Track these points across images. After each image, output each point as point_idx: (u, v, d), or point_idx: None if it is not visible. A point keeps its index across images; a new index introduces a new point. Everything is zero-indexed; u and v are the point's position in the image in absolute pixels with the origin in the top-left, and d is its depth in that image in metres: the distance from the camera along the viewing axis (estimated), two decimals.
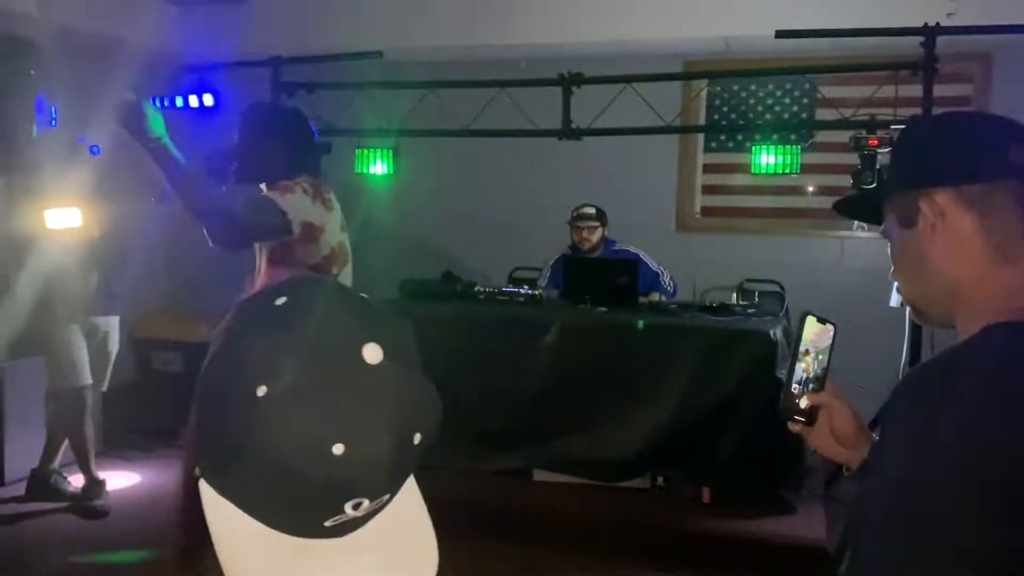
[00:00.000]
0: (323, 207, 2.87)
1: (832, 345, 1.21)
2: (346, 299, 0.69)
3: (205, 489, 0.64)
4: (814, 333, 1.20)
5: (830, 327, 1.22)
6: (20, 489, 4.15)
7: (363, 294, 0.72)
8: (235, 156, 3.01)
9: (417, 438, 0.66)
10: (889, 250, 1.08)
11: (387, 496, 0.66)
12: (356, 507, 0.63)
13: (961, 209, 0.98)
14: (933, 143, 1.05)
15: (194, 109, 5.12)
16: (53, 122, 4.03)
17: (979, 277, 0.98)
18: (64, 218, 3.69)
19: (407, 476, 0.69)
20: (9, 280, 3.73)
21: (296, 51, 5.02)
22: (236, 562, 0.64)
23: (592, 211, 4.95)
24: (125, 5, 5.04)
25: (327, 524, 0.63)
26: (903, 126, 4.18)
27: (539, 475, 4.32)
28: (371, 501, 0.64)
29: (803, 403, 1.19)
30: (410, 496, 0.73)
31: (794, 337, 1.21)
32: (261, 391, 0.61)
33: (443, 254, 5.49)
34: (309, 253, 2.81)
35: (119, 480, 4.44)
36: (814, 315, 1.21)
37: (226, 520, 0.64)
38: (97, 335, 4.08)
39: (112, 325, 4.17)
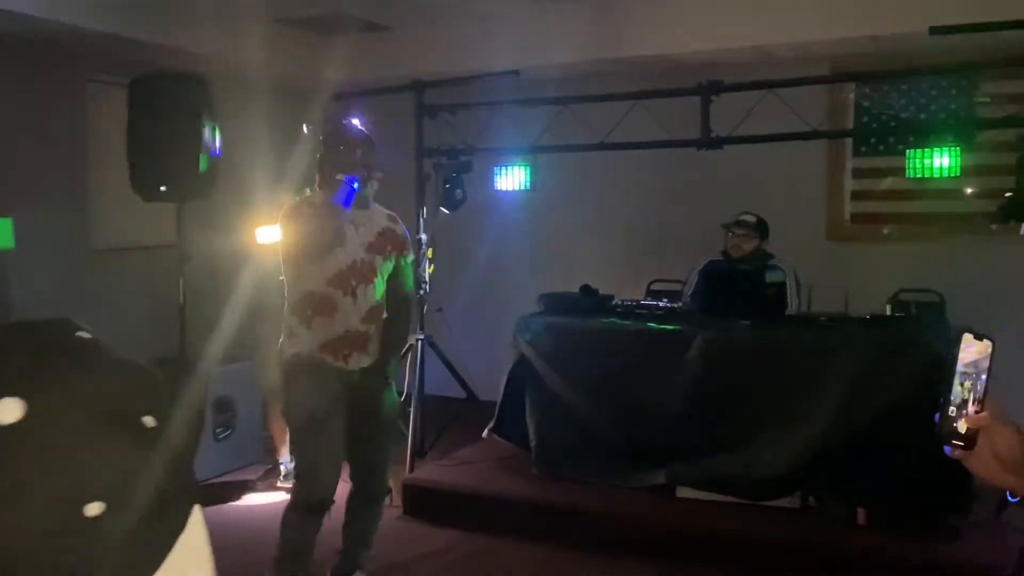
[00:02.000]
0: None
1: (991, 362, 1.13)
2: (12, 343, 0.57)
3: None
4: (972, 351, 1.13)
5: (988, 343, 1.14)
6: None
7: (83, 333, 0.59)
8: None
9: (92, 509, 0.52)
10: None
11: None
12: None
13: None
14: None
15: None
16: (217, 151, 4.38)
17: None
18: (272, 234, 4.10)
19: (104, 554, 0.53)
20: (226, 291, 4.27)
21: (436, 75, 5.20)
22: None
23: (752, 219, 4.72)
24: (272, 37, 5.37)
25: None
26: None
27: (683, 492, 4.24)
28: None
29: (961, 426, 1.12)
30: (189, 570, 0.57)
31: (950, 356, 1.14)
32: None
33: (581, 267, 5.50)
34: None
35: None
36: (971, 332, 1.14)
37: None
38: None
39: None
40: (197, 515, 0.57)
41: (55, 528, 0.52)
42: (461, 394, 5.31)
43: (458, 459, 4.82)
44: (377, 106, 5.32)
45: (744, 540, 3.83)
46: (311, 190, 3.34)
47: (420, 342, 5.06)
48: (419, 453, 4.88)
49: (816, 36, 4.88)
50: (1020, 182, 4.11)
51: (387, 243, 3.30)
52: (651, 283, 5.50)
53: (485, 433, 4.73)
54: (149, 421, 0.56)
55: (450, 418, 5.12)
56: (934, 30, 4.04)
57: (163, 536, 0.55)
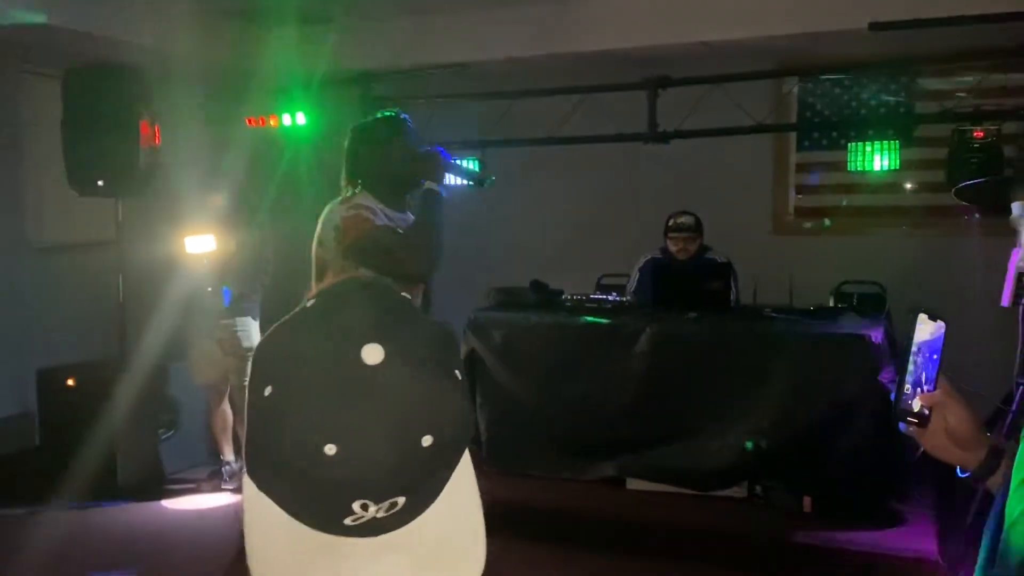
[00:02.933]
0: None
1: (944, 343, 1.17)
2: (368, 300, 0.67)
3: (247, 485, 0.66)
4: (926, 331, 1.17)
5: (941, 324, 1.17)
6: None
7: (404, 294, 0.70)
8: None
9: (426, 440, 0.62)
10: (1020, 239, 1.06)
11: (403, 498, 0.64)
12: (364, 507, 0.63)
13: None
14: None
15: (287, 128, 5.32)
16: (155, 143, 4.27)
17: None
18: (200, 243, 4.27)
19: (426, 478, 0.66)
20: (157, 296, 4.28)
21: (383, 67, 5.14)
22: (264, 554, 0.65)
23: (690, 221, 4.71)
24: (210, 29, 5.23)
25: (347, 523, 0.63)
26: (1011, 116, 3.97)
27: (633, 484, 4.27)
28: (376, 502, 0.63)
29: (916, 404, 1.15)
30: (462, 498, 0.71)
31: (905, 336, 1.17)
32: (267, 391, 0.63)
33: (532, 262, 5.49)
34: None
35: None
36: (926, 312, 1.17)
37: (259, 515, 0.65)
38: (231, 337, 4.46)
39: (246, 326, 4.50)
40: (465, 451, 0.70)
41: (397, 456, 0.62)
42: None
43: None
44: (322, 99, 5.24)
45: (693, 530, 3.87)
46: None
47: None
48: None
49: (761, 32, 4.93)
50: (951, 175, 4.20)
51: None
52: (601, 277, 5.52)
53: None
54: (458, 374, 0.67)
55: None
56: (873, 26, 4.11)
57: (454, 465, 0.69)
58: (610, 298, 4.75)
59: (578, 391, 4.33)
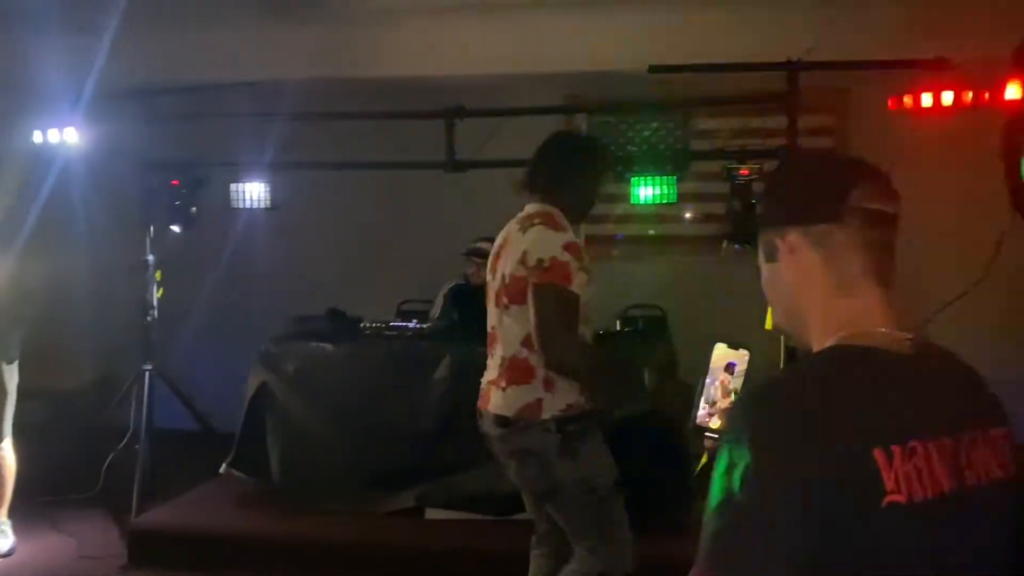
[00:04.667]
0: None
1: (747, 368, 1.33)
2: None
3: None
4: (723, 358, 1.33)
5: (744, 352, 1.33)
6: None
7: None
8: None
9: None
10: (761, 279, 1.21)
11: None
12: None
13: (808, 247, 1.12)
14: (788, 187, 1.21)
15: (54, 146, 4.85)
16: None
17: (823, 307, 1.12)
18: None
19: None
20: None
21: (164, 83, 4.83)
22: None
23: (488, 247, 4.83)
24: None
25: None
26: (770, 156, 4.39)
27: (432, 513, 4.22)
28: None
29: (714, 422, 1.30)
30: None
31: (706, 362, 1.35)
32: None
33: (329, 289, 5.34)
34: None
35: None
36: (724, 344, 1.35)
37: None
38: None
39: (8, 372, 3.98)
40: None
41: None
42: (195, 427, 4.93)
43: (191, 499, 4.45)
44: (99, 114, 4.83)
45: (491, 555, 3.87)
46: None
47: (147, 373, 4.64)
48: (146, 495, 4.43)
49: (551, 68, 5.14)
50: (732, 209, 4.56)
51: None
52: (402, 303, 5.47)
53: (223, 468, 4.42)
54: None
55: (183, 454, 4.71)
56: (652, 69, 4.40)
57: None
58: (411, 325, 4.71)
59: (377, 421, 4.24)
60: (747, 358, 1.33)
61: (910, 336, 1.08)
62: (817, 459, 0.94)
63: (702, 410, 1.31)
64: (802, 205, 1.14)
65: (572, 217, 2.78)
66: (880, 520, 0.94)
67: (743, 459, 0.96)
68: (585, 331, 2.67)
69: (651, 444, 3.95)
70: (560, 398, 2.58)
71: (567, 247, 2.59)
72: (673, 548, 3.81)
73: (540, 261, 2.57)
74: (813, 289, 1.12)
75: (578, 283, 2.57)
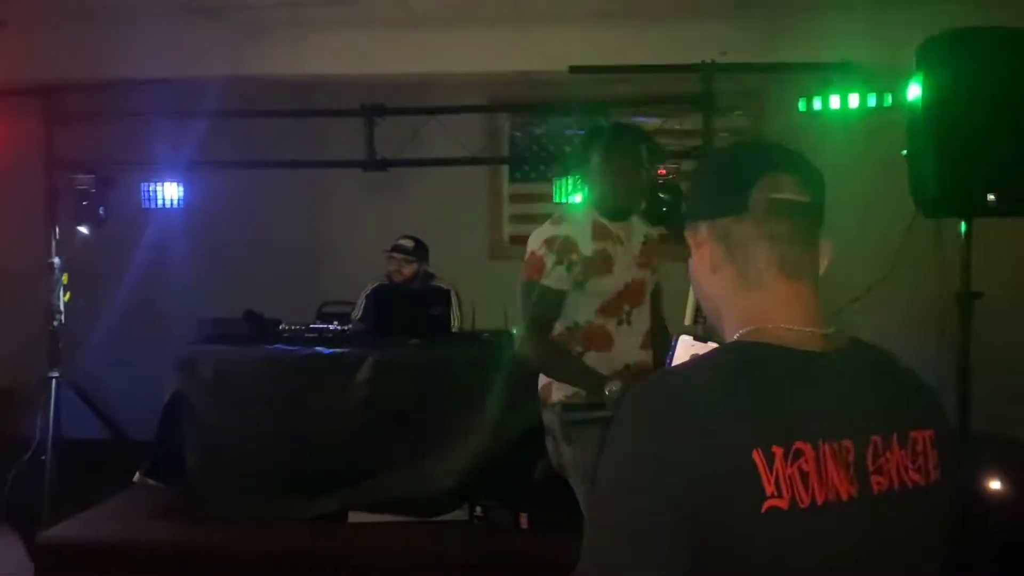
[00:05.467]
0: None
1: None
2: None
3: None
4: (690, 350, 1.32)
5: (713, 345, 1.30)
6: None
7: None
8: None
9: None
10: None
11: None
12: None
13: (714, 241, 1.10)
14: (700, 181, 1.18)
15: None
16: None
17: (730, 300, 1.10)
18: None
19: None
20: None
21: (72, 79, 4.65)
22: None
23: (410, 244, 4.84)
24: None
25: None
26: (687, 156, 4.49)
27: (355, 516, 4.16)
28: None
29: None
30: None
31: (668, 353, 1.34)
32: None
33: (246, 292, 5.21)
34: None
35: None
36: (689, 335, 1.33)
37: None
38: None
39: None
40: None
41: None
42: (107, 436, 4.75)
43: (103, 510, 4.29)
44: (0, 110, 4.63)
45: (415, 558, 3.85)
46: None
47: (53, 380, 4.45)
48: (55, 508, 4.25)
49: (472, 68, 5.13)
50: (648, 209, 4.63)
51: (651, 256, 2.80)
52: (323, 305, 5.37)
53: (137, 477, 4.27)
54: None
55: (94, 464, 4.53)
56: (573, 69, 4.45)
57: None
58: (331, 327, 4.64)
59: (297, 425, 4.15)
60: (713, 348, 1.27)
61: (825, 332, 1.03)
62: (692, 458, 0.90)
63: None
64: (707, 199, 1.12)
65: (608, 211, 2.68)
66: (762, 526, 0.89)
67: (622, 454, 0.94)
68: (607, 324, 2.65)
69: None
70: (564, 385, 2.66)
71: (547, 242, 2.58)
72: None
73: (523, 257, 2.65)
74: (722, 283, 1.10)
75: (554, 277, 2.57)
